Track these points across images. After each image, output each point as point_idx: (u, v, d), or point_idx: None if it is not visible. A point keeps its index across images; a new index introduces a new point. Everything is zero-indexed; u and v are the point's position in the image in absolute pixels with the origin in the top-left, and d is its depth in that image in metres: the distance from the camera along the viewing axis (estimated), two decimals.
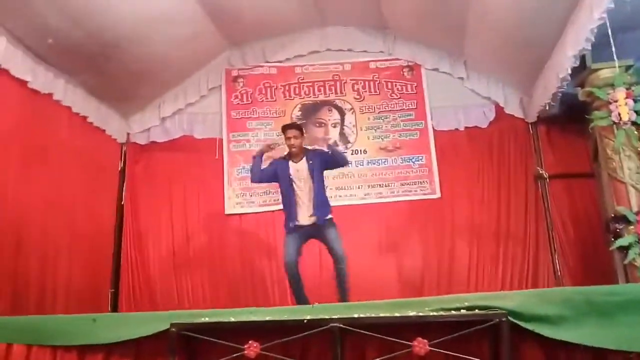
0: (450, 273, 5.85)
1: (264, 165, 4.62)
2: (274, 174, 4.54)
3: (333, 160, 4.55)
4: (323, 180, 4.53)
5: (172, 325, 2.51)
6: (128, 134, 6.26)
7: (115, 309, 5.71)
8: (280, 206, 5.78)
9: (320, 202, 4.40)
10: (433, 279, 5.84)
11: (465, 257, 5.87)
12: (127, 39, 5.08)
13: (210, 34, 5.92)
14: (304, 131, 4.70)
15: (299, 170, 4.43)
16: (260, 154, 4.61)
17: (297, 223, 4.35)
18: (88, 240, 5.39)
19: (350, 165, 6.14)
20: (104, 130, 5.84)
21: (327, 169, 4.60)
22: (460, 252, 5.90)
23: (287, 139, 4.45)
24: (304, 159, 4.46)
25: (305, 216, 4.37)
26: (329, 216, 4.42)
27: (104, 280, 5.73)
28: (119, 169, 6.18)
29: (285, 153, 4.58)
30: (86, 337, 2.74)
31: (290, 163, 4.48)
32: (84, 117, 5.46)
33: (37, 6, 4.23)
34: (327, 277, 5.36)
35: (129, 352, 2.70)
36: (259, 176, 4.59)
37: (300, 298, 4.29)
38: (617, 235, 4.58)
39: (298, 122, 6.26)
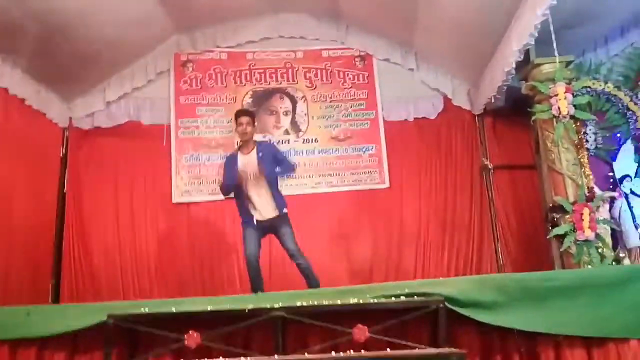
0: (398, 262, 5.96)
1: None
2: (227, 172, 4.38)
3: (282, 163, 4.46)
4: (275, 173, 4.42)
5: (109, 316, 2.44)
6: (70, 118, 6.01)
7: (56, 301, 5.50)
8: (230, 195, 5.82)
9: (277, 194, 4.33)
10: (382, 267, 5.92)
11: (412, 246, 5.98)
12: (71, 20, 4.86)
13: (159, 17, 5.72)
14: (255, 120, 4.57)
15: (248, 163, 4.29)
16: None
17: (254, 220, 4.25)
18: (27, 230, 5.15)
19: (302, 154, 6.17)
20: (44, 114, 5.58)
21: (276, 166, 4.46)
22: (408, 242, 6.01)
23: (239, 124, 4.32)
24: (254, 150, 4.34)
25: (261, 213, 4.26)
26: (285, 210, 4.34)
27: (45, 272, 5.51)
28: (61, 154, 5.93)
29: (236, 144, 4.49)
30: (19, 330, 2.62)
31: (240, 155, 4.36)
32: (22, 100, 5.20)
33: None
34: (277, 272, 5.42)
35: (65, 346, 2.61)
36: (226, 187, 4.44)
37: (257, 287, 4.20)
38: (555, 224, 4.75)
39: (249, 110, 6.22)
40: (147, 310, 2.52)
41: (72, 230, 5.78)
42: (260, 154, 4.31)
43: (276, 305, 2.46)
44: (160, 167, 6.05)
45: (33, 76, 5.30)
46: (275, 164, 4.41)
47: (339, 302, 2.49)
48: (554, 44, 4.37)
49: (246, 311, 2.44)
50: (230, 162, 4.40)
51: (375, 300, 2.50)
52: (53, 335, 2.58)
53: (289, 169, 4.58)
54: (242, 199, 4.33)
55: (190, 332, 2.40)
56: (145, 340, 2.59)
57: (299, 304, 2.50)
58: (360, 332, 2.39)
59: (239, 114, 4.45)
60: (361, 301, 2.48)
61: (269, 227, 4.32)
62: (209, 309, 2.51)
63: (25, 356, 2.63)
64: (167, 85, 6.26)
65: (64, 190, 5.86)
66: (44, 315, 2.72)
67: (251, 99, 6.33)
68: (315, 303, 2.51)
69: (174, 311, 2.49)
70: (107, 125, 6.12)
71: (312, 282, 4.18)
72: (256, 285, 4.21)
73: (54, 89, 5.67)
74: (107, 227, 5.88)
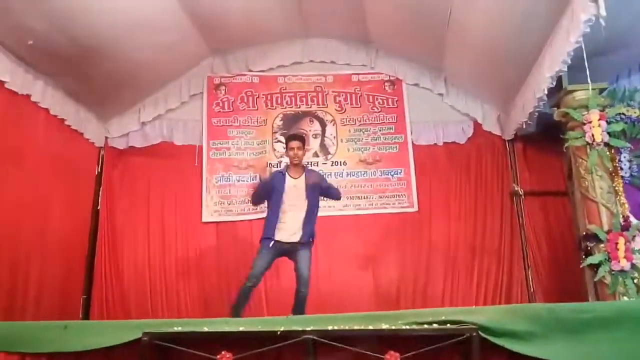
0: (425, 287, 5.89)
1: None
2: (270, 186, 4.42)
3: (328, 192, 4.55)
4: (318, 204, 4.48)
5: (144, 334, 2.48)
6: (106, 138, 6.19)
7: (86, 316, 5.59)
8: (258, 215, 5.87)
9: (310, 224, 4.35)
10: (409, 292, 5.87)
11: (440, 271, 5.92)
12: (109, 44, 5.04)
13: (193, 40, 5.91)
14: (305, 144, 4.62)
15: (295, 186, 4.36)
16: (267, 179, 4.50)
17: (275, 239, 4.27)
18: (61, 246, 5.28)
19: (329, 176, 6.20)
20: (81, 134, 5.77)
21: (321, 195, 4.53)
22: (436, 266, 5.95)
23: (290, 149, 4.41)
24: (303, 176, 4.40)
25: (285, 234, 4.28)
26: (311, 239, 4.39)
27: (77, 287, 5.62)
28: (96, 173, 6.09)
29: (284, 166, 4.58)
30: (56, 344, 2.69)
31: (288, 178, 4.42)
32: (62, 120, 5.39)
33: (18, 8, 4.18)
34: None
35: None
36: (259, 196, 4.55)
37: (236, 310, 4.24)
38: (588, 253, 4.67)
39: (279, 132, 6.33)
40: (180, 329, 2.55)
41: (105, 246, 5.89)
42: (310, 184, 4.35)
43: (308, 328, 2.47)
44: (191, 187, 6.17)
45: (72, 97, 5.51)
46: (319, 193, 4.45)
47: (370, 327, 2.49)
48: (587, 71, 4.32)
49: (278, 333, 2.45)
50: (277, 178, 4.44)
51: (408, 327, 2.49)
52: (88, 350, 2.63)
53: (336, 196, 4.65)
54: (273, 216, 4.36)
55: (223, 352, 2.42)
56: (176, 359, 2.62)
57: (330, 327, 2.50)
58: (393, 358, 2.37)
59: (290, 138, 4.56)
60: (393, 327, 2.47)
61: (286, 251, 4.33)
62: (240, 329, 2.53)
63: None
64: (199, 107, 6.41)
65: (98, 208, 5.99)
66: (81, 330, 2.78)
67: (281, 122, 6.43)
68: (347, 327, 2.50)
69: (207, 330, 2.51)
70: (141, 145, 6.28)
71: (300, 312, 4.13)
72: (239, 306, 4.24)
73: (92, 109, 5.87)
74: (138, 244, 5.99)
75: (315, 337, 2.43)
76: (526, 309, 2.75)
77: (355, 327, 2.49)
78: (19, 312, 4.54)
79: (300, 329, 2.47)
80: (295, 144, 4.40)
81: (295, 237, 4.30)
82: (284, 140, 6.24)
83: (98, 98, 5.77)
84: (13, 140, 4.67)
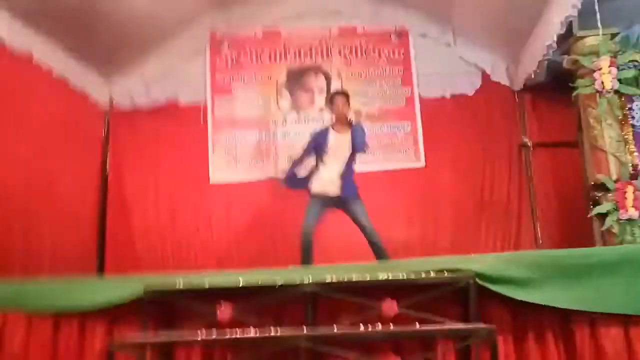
0: (434, 242, 5.88)
1: None
2: (312, 144, 4.49)
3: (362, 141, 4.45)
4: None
5: (145, 290, 2.53)
6: (111, 99, 6.17)
7: (101, 274, 5.73)
8: (265, 175, 5.88)
9: (348, 178, 4.39)
10: (416, 247, 5.84)
11: (449, 225, 5.90)
12: None
13: None
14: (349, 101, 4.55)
15: (340, 141, 4.36)
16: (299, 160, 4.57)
17: (312, 191, 4.31)
18: (72, 210, 5.33)
19: None
20: (87, 95, 5.75)
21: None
22: (444, 221, 5.93)
23: (336, 106, 4.42)
24: (348, 133, 4.35)
25: (319, 186, 4.33)
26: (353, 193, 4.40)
27: (90, 251, 5.71)
28: (103, 135, 6.11)
29: (331, 122, 4.56)
30: (62, 302, 2.75)
31: (333, 132, 4.42)
32: (65, 81, 5.36)
33: None
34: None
35: (104, 316, 2.73)
36: (291, 181, 4.61)
37: (307, 260, 4.22)
38: (597, 203, 4.63)
39: (284, 87, 6.25)
40: (181, 283, 2.60)
41: (115, 208, 5.98)
42: (355, 136, 4.31)
43: (306, 280, 2.49)
44: (198, 146, 6.14)
45: (76, 57, 5.45)
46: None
47: (368, 277, 2.51)
48: (598, 16, 4.17)
49: (276, 287, 2.49)
50: (320, 135, 4.46)
51: (405, 276, 2.50)
52: (95, 305, 2.70)
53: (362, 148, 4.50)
54: (314, 168, 4.41)
55: (223, 305, 2.46)
56: (180, 312, 2.68)
57: (328, 278, 2.52)
58: (389, 306, 2.39)
59: (334, 94, 4.59)
60: (391, 276, 2.48)
61: (337, 202, 4.35)
62: (240, 283, 2.57)
63: (68, 326, 2.76)
64: (202, 64, 6.32)
65: (107, 170, 6.04)
66: (85, 287, 2.84)
67: (286, 77, 6.33)
68: (345, 278, 2.52)
69: (207, 285, 2.55)
70: (147, 104, 6.24)
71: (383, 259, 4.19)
72: (305, 258, 4.21)
73: (95, 68, 5.81)
74: (148, 207, 6.04)
75: (313, 289, 2.46)
76: (525, 255, 2.75)
77: (353, 278, 2.51)
78: (35, 274, 4.63)
79: (298, 281, 2.49)
80: (340, 99, 4.42)
81: (333, 190, 4.31)
82: (289, 96, 6.27)
83: (101, 56, 5.69)
84: (18, 103, 4.66)
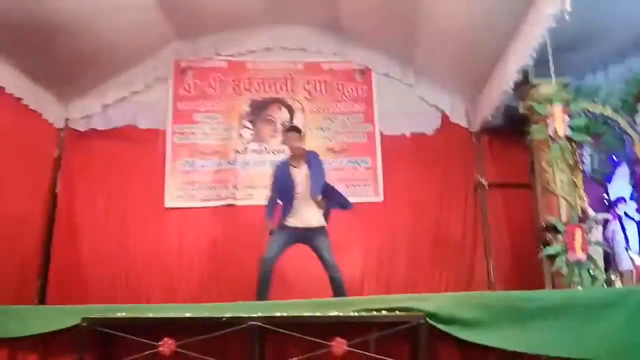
0: (389, 276, 5.90)
1: None
2: (279, 181, 4.52)
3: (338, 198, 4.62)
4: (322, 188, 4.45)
5: (83, 319, 2.40)
6: (67, 119, 6.01)
7: (42, 301, 5.45)
8: (222, 202, 5.82)
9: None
10: (372, 282, 5.87)
11: (404, 261, 5.94)
12: (70, 22, 4.87)
13: (159, 23, 5.74)
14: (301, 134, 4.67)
15: (302, 174, 4.42)
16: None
17: (290, 225, 4.32)
18: (16, 228, 5.11)
19: None
20: (40, 114, 5.58)
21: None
22: (399, 256, 5.96)
23: (289, 141, 4.52)
24: (305, 165, 4.46)
25: (297, 220, 4.34)
26: (323, 224, 4.44)
27: (32, 272, 5.46)
28: (55, 155, 5.91)
29: (287, 156, 4.60)
30: None
31: (291, 168, 4.47)
32: (18, 99, 5.20)
33: None
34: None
35: (37, 347, 2.56)
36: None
37: (262, 295, 4.14)
38: (547, 244, 4.73)
39: (247, 118, 6.24)
40: (123, 314, 2.48)
41: (63, 231, 5.74)
42: (311, 169, 4.42)
43: (254, 315, 2.42)
44: (154, 171, 6.03)
45: (31, 76, 5.32)
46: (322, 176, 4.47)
47: (318, 314, 2.45)
48: (551, 66, 4.35)
49: (223, 319, 2.40)
50: (281, 169, 4.52)
51: (356, 314, 2.46)
52: (27, 336, 2.53)
53: (346, 206, 4.67)
54: (287, 205, 4.42)
55: (165, 339, 2.35)
56: (120, 345, 2.54)
57: (278, 314, 2.45)
58: (339, 345, 2.34)
59: (288, 130, 4.68)
60: (341, 314, 2.44)
61: (302, 238, 4.36)
62: (186, 315, 2.47)
63: None
64: (165, 91, 6.27)
65: (56, 190, 5.82)
66: (19, 315, 2.67)
67: (249, 108, 6.33)
68: (295, 314, 2.46)
69: (150, 317, 2.44)
70: (104, 127, 6.12)
71: (340, 296, 4.10)
72: (262, 291, 4.16)
73: (51, 89, 5.68)
74: (98, 229, 5.84)
75: (260, 324, 2.38)
76: (475, 296, 2.75)
77: (302, 314, 2.45)
78: None
79: (245, 315, 2.42)
80: (294, 136, 4.50)
81: (316, 222, 4.37)
82: (251, 127, 6.24)
83: (58, 78, 5.58)
84: None
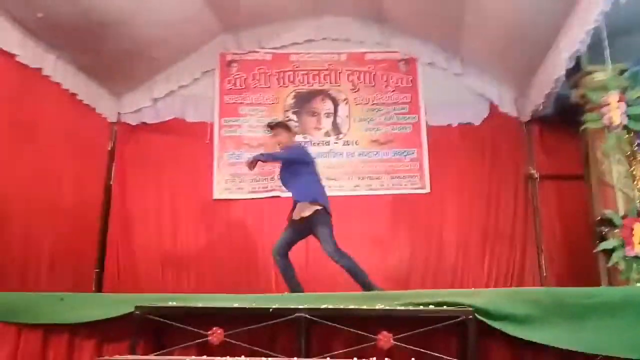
0: (436, 269, 5.84)
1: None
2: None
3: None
4: (310, 172, 4.36)
5: (136, 308, 2.48)
6: (119, 113, 6.21)
7: (99, 290, 5.69)
8: (270, 194, 5.96)
9: (307, 193, 4.29)
10: (419, 274, 5.82)
11: (452, 253, 5.85)
12: (121, 19, 5.03)
13: (205, 17, 5.84)
14: (289, 127, 4.59)
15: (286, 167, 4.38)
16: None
17: (293, 217, 4.26)
18: (74, 219, 5.34)
19: (341, 156, 6.15)
20: (94, 109, 5.79)
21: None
22: (447, 248, 5.88)
23: (274, 136, 4.46)
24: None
25: (295, 212, 4.25)
26: (316, 207, 4.21)
27: (89, 260, 5.70)
28: (109, 148, 6.13)
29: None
30: (52, 315, 2.71)
31: None
32: (74, 95, 5.41)
33: None
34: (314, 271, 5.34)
35: (95, 333, 2.68)
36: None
37: (291, 285, 4.16)
38: (603, 238, 4.55)
39: (291, 110, 6.27)
40: (174, 304, 2.55)
41: (117, 221, 5.97)
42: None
43: (301, 307, 2.44)
44: (203, 164, 6.16)
45: (85, 72, 5.53)
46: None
47: (364, 307, 2.45)
48: (607, 52, 4.15)
49: (270, 311, 2.43)
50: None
51: (403, 308, 2.44)
52: (84, 322, 2.65)
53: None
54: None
55: (214, 328, 2.41)
56: (171, 334, 2.62)
57: (324, 306, 2.46)
58: (385, 339, 2.33)
59: (270, 126, 4.54)
60: (387, 307, 2.42)
61: (305, 228, 4.24)
62: (234, 306, 2.52)
63: (58, 341, 2.71)
64: (211, 84, 6.37)
65: (110, 183, 6.04)
66: (77, 303, 2.80)
67: (293, 100, 6.36)
68: (341, 306, 2.47)
69: (200, 306, 2.50)
70: (153, 121, 6.29)
71: (358, 280, 4.05)
72: (290, 284, 4.16)
73: (104, 84, 5.88)
74: (150, 220, 6.03)
75: (307, 316, 2.40)
76: (525, 292, 2.68)
77: (349, 306, 2.45)
78: (32, 285, 4.61)
79: (293, 307, 2.44)
80: (276, 131, 4.43)
81: (304, 212, 4.18)
82: (295, 119, 6.27)
83: (110, 73, 5.77)
84: (26, 114, 4.70)
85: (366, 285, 4.03)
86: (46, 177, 4.95)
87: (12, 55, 4.49)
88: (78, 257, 5.42)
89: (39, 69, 4.87)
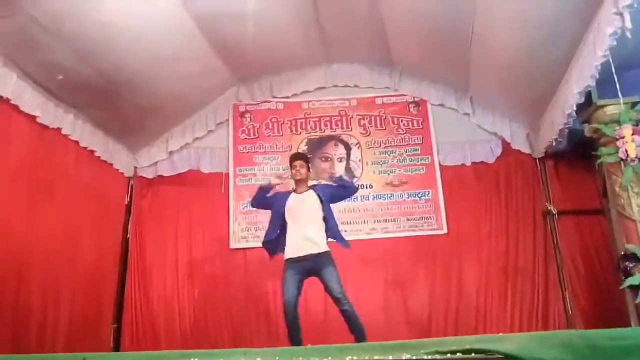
0: (457, 311, 5.74)
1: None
2: (271, 201, 4.52)
3: (341, 192, 4.56)
4: (332, 214, 4.43)
5: None
6: (135, 167, 6.31)
7: (117, 345, 5.64)
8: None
9: (329, 231, 4.34)
10: (440, 316, 5.72)
11: (473, 294, 5.76)
12: (136, 77, 5.17)
13: (218, 70, 6.00)
14: (310, 165, 4.66)
15: (302, 200, 4.38)
16: (269, 185, 4.57)
17: (287, 257, 4.23)
18: (92, 275, 5.36)
19: (356, 200, 6.14)
20: (111, 164, 5.90)
21: (334, 201, 4.52)
22: (468, 290, 5.79)
23: (293, 167, 4.50)
24: (310, 190, 4.43)
25: (295, 249, 4.21)
26: (327, 248, 4.24)
27: (107, 316, 5.67)
28: (126, 202, 6.20)
29: (292, 187, 4.56)
30: None
31: (293, 194, 4.46)
32: (92, 151, 5.53)
33: (48, 44, 4.33)
34: (331, 318, 5.25)
35: None
36: (258, 200, 4.60)
37: (294, 339, 4.06)
38: (628, 274, 4.45)
39: (303, 153, 6.32)
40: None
41: (134, 275, 5.95)
42: (319, 194, 4.39)
43: (324, 359, 2.40)
44: (219, 214, 6.20)
45: (102, 129, 5.64)
46: (331, 201, 4.46)
47: (390, 357, 2.39)
48: (617, 85, 4.18)
49: None
50: (280, 198, 4.49)
51: (430, 357, 2.38)
52: None
53: (351, 190, 4.68)
54: (277, 238, 4.37)
55: None
56: None
57: (348, 358, 2.42)
58: None
59: (293, 157, 4.63)
60: (414, 357, 2.37)
61: (311, 269, 4.17)
62: None
63: None
64: (226, 135, 6.49)
65: (127, 236, 6.08)
66: None
67: (306, 147, 6.44)
68: (367, 358, 2.42)
69: None
70: (169, 173, 6.37)
71: (356, 329, 4.00)
72: (293, 334, 4.06)
73: (121, 140, 6.00)
74: (167, 272, 6.02)
75: None
76: (557, 335, 2.60)
77: (375, 358, 2.40)
78: (50, 342, 4.60)
79: (316, 359, 2.40)
80: (298, 163, 4.49)
81: (312, 249, 4.18)
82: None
83: (126, 129, 5.90)
84: (45, 173, 4.79)
85: (362, 336, 3.97)
86: (65, 234, 4.99)
87: (33, 117, 4.62)
88: (96, 312, 5.41)
89: (59, 129, 5.00)
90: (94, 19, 4.30)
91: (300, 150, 6.37)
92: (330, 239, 4.34)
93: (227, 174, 6.32)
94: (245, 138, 6.47)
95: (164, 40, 4.98)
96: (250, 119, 6.53)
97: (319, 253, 4.19)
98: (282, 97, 6.58)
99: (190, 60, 5.49)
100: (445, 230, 6.02)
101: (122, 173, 6.15)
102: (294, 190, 4.50)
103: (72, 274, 5.03)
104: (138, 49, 4.87)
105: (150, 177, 6.35)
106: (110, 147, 5.86)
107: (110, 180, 5.96)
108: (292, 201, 4.40)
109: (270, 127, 6.52)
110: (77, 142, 5.29)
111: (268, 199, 4.56)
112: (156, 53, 5.05)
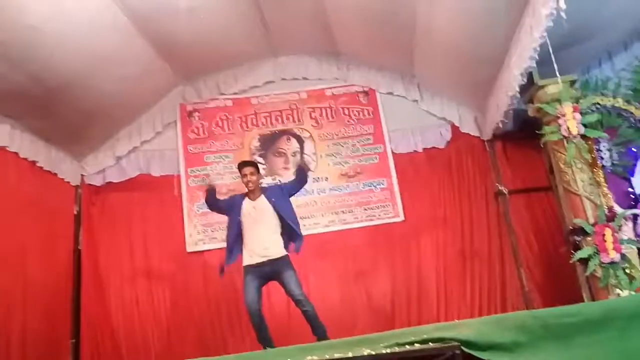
0: (419, 296, 5.81)
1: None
2: (227, 206, 4.49)
3: (293, 184, 4.56)
4: (291, 206, 4.46)
5: None
6: (82, 175, 6.06)
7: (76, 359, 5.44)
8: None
9: (288, 235, 4.36)
10: (403, 304, 5.78)
11: (433, 279, 5.84)
12: (72, 80, 4.92)
13: (160, 69, 5.81)
14: (262, 168, 4.65)
15: (255, 207, 4.35)
16: (214, 187, 4.56)
17: (248, 263, 4.22)
18: (44, 289, 5.12)
19: (312, 193, 6.12)
20: (55, 174, 5.64)
21: (291, 194, 4.53)
22: (428, 275, 5.87)
23: (244, 175, 4.41)
24: (262, 196, 4.39)
25: (253, 255, 4.22)
26: (284, 253, 4.28)
27: (64, 331, 5.46)
28: (75, 212, 5.95)
29: (245, 191, 4.50)
30: None
31: (247, 200, 4.40)
32: (33, 162, 5.27)
33: None
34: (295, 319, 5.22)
35: None
36: (211, 204, 4.54)
37: (264, 340, 4.10)
38: (577, 248, 4.61)
39: (257, 153, 6.26)
40: None
41: (89, 287, 5.72)
42: (273, 199, 4.35)
43: None
44: (173, 217, 6.04)
45: (43, 138, 5.37)
46: (288, 200, 4.45)
47: (350, 354, 2.39)
48: (555, 66, 4.29)
49: None
50: (234, 201, 4.45)
51: (389, 350, 2.39)
52: None
53: (303, 179, 4.58)
54: (234, 243, 4.33)
55: None
56: None
57: (309, 358, 2.40)
58: None
59: (241, 165, 4.54)
60: (373, 352, 2.37)
61: (270, 273, 4.21)
62: None
63: None
64: (174, 136, 6.32)
65: (79, 247, 5.85)
66: None
67: (259, 143, 6.35)
68: (327, 357, 2.40)
69: None
70: (119, 179, 6.15)
71: (318, 329, 4.08)
72: (262, 335, 4.10)
73: (64, 148, 5.74)
74: (124, 281, 5.84)
75: None
76: (509, 318, 2.66)
77: (336, 356, 2.39)
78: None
79: None
80: (247, 170, 4.40)
81: (270, 255, 4.20)
82: (262, 161, 6.24)
83: (69, 136, 5.65)
84: None
85: (324, 337, 4.01)
86: (10, 250, 4.74)
87: None
88: (51, 329, 5.18)
89: None
90: (20, 23, 4.07)
91: (252, 147, 6.30)
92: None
93: (179, 176, 6.16)
94: (196, 138, 6.33)
95: (98, 41, 4.75)
96: (199, 118, 6.39)
97: (277, 258, 4.22)
98: (230, 94, 6.47)
99: (129, 60, 5.29)
100: (402, 218, 6.08)
101: (69, 182, 5.90)
102: (248, 196, 4.44)
103: (23, 292, 4.80)
104: (69, 50, 4.61)
105: (98, 184, 6.12)
106: (53, 156, 5.60)
107: (56, 191, 5.70)
108: (246, 208, 4.36)
109: (220, 125, 6.39)
110: (16, 154, 5.04)
111: (222, 203, 4.53)
112: (90, 54, 4.82)
